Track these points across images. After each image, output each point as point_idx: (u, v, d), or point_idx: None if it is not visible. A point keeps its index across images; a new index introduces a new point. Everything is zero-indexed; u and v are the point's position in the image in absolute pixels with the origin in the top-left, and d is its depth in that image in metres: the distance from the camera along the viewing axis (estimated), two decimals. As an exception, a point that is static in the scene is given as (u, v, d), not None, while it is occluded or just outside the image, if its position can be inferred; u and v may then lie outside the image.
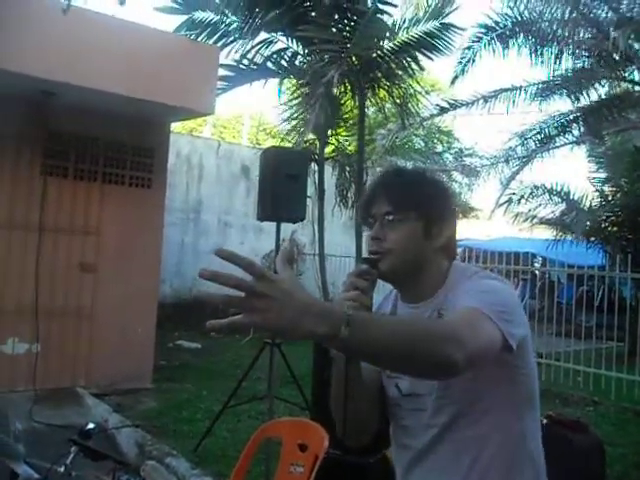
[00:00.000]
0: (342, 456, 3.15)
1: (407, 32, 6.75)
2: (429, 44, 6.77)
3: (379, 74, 7.00)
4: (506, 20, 9.08)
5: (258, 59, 7.17)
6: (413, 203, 1.42)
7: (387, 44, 6.82)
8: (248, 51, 7.06)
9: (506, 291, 1.37)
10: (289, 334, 1.06)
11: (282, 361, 4.68)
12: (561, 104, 10.29)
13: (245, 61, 7.10)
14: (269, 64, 7.20)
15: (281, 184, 4.32)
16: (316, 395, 3.86)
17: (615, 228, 10.10)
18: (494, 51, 9.28)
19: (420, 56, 6.88)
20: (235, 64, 7.09)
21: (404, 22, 6.78)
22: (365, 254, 1.45)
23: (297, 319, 1.01)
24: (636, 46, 8.90)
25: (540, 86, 9.95)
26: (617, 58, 8.75)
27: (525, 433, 1.41)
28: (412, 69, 6.94)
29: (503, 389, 1.37)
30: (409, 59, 6.85)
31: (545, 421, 2.63)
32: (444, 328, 1.20)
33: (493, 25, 9.10)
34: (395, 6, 6.79)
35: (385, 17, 6.80)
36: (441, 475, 1.41)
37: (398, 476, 1.55)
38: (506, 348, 1.25)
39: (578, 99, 9.83)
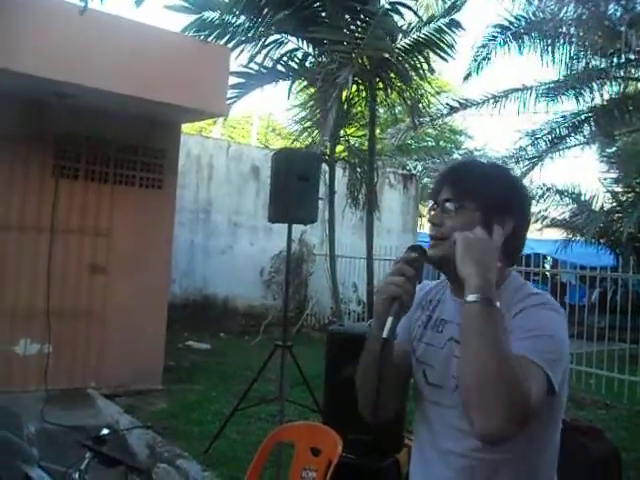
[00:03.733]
0: (355, 460, 3.14)
1: (418, 32, 6.73)
2: (438, 42, 6.75)
3: (391, 74, 6.99)
4: (519, 20, 9.10)
5: (269, 61, 7.17)
6: (473, 193, 1.40)
7: (399, 44, 6.80)
8: (258, 52, 7.06)
9: (558, 327, 1.34)
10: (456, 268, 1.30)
11: (292, 362, 4.67)
12: (572, 104, 10.25)
13: (255, 64, 7.10)
14: (280, 67, 7.19)
15: (293, 186, 4.31)
16: (328, 398, 3.84)
17: (628, 229, 10.00)
18: (509, 49, 9.31)
19: (432, 57, 6.87)
20: (246, 70, 7.08)
21: (417, 22, 6.76)
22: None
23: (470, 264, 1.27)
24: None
25: (551, 86, 9.90)
26: (630, 57, 8.69)
27: (543, 464, 1.41)
28: (423, 69, 6.92)
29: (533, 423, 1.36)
30: (420, 59, 6.84)
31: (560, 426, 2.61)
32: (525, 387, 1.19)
33: (508, 25, 9.13)
34: (406, 6, 6.78)
35: (397, 17, 6.79)
36: None
37: (413, 458, 1.55)
38: (550, 392, 1.26)
39: (591, 99, 9.79)
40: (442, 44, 6.79)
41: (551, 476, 1.44)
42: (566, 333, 1.36)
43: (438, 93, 9.85)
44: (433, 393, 1.45)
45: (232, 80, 6.86)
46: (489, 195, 1.40)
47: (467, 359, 1.22)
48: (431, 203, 1.48)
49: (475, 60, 9.40)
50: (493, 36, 9.26)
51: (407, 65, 6.86)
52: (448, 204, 1.41)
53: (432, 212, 1.46)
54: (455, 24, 6.71)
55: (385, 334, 1.27)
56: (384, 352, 1.29)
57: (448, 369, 1.42)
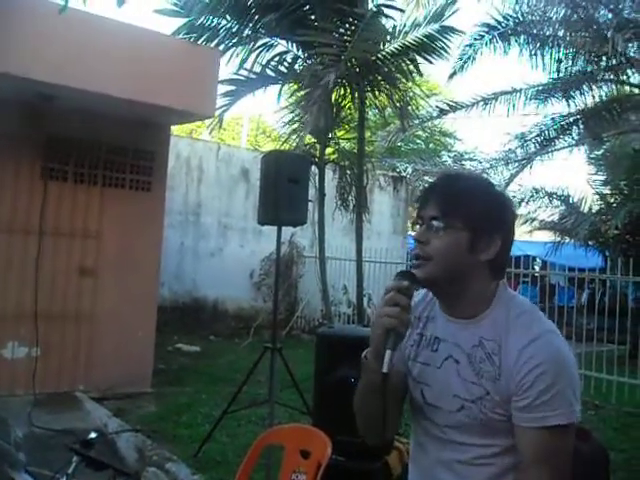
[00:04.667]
0: (345, 462, 3.14)
1: (407, 35, 6.74)
2: (429, 47, 6.76)
3: (379, 77, 6.99)
4: (507, 20, 9.13)
5: (258, 65, 7.16)
6: (460, 212, 1.37)
7: (387, 47, 6.81)
8: (248, 56, 7.04)
9: (562, 355, 1.35)
10: None
11: (282, 364, 4.66)
12: (560, 107, 10.33)
13: (245, 70, 7.08)
14: (269, 71, 7.18)
15: (282, 188, 4.31)
16: (318, 400, 3.84)
17: (615, 231, 10.08)
18: (495, 49, 9.32)
19: (420, 59, 6.87)
20: (236, 77, 7.06)
21: (404, 26, 6.77)
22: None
23: None
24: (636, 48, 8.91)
25: (540, 89, 9.96)
26: (617, 61, 8.76)
27: None
28: (411, 72, 6.93)
29: None
30: (409, 62, 6.84)
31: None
32: None
33: (495, 24, 9.15)
34: (395, 9, 6.79)
35: (385, 20, 6.79)
36: None
37: (413, 466, 1.55)
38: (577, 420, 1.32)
39: (580, 101, 9.86)
40: (433, 48, 6.79)
41: None
42: (567, 348, 1.37)
43: (428, 96, 9.89)
44: (431, 412, 1.45)
45: (223, 88, 6.85)
46: (477, 214, 1.38)
47: None
48: (416, 218, 1.46)
49: (460, 59, 9.41)
50: (480, 35, 9.27)
51: (394, 68, 6.86)
52: (435, 222, 1.38)
53: (417, 228, 1.43)
54: (447, 30, 6.72)
55: (385, 369, 1.26)
56: (386, 385, 1.29)
57: (448, 389, 1.41)
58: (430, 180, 12.23)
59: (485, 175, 11.08)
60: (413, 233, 1.46)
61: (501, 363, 1.34)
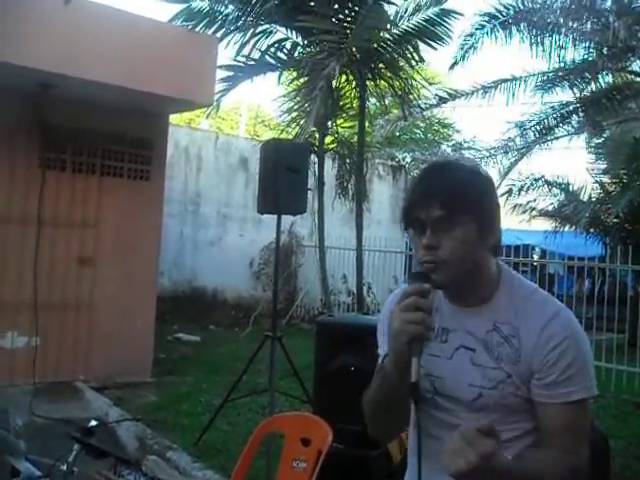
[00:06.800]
0: (345, 450, 3.15)
1: (408, 21, 6.69)
2: (429, 32, 6.71)
3: (380, 64, 6.95)
4: (508, 9, 9.09)
5: (257, 51, 7.12)
6: (465, 205, 1.31)
7: (388, 34, 6.77)
8: (247, 42, 7.00)
9: (583, 334, 1.37)
10: None
11: (282, 353, 4.66)
12: (561, 95, 10.28)
13: (243, 57, 7.04)
14: (268, 58, 7.14)
15: (282, 177, 4.28)
16: (318, 388, 3.84)
17: (615, 220, 10.07)
18: (496, 38, 9.28)
19: (421, 45, 6.82)
20: (234, 63, 7.02)
21: (405, 11, 6.72)
22: (414, 264, 1.39)
23: None
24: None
25: (540, 77, 9.92)
26: (618, 48, 8.71)
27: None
28: (413, 59, 6.89)
29: None
30: (410, 48, 6.80)
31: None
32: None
33: (496, 13, 9.10)
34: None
35: (387, 6, 6.74)
36: None
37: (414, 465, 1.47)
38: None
39: (581, 90, 9.81)
40: (435, 33, 6.74)
41: None
42: (579, 326, 1.37)
43: (430, 84, 9.83)
44: (446, 402, 1.41)
45: (221, 73, 6.82)
46: (478, 201, 1.34)
47: None
48: (409, 220, 1.36)
49: (462, 48, 9.37)
50: (481, 25, 9.23)
51: (396, 55, 6.82)
52: (443, 223, 1.31)
53: (417, 235, 1.35)
54: (447, 13, 6.66)
55: (414, 378, 1.22)
56: (413, 395, 1.24)
57: (462, 379, 1.38)
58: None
59: (484, 164, 11.10)
60: (414, 238, 1.36)
61: (521, 345, 1.34)
